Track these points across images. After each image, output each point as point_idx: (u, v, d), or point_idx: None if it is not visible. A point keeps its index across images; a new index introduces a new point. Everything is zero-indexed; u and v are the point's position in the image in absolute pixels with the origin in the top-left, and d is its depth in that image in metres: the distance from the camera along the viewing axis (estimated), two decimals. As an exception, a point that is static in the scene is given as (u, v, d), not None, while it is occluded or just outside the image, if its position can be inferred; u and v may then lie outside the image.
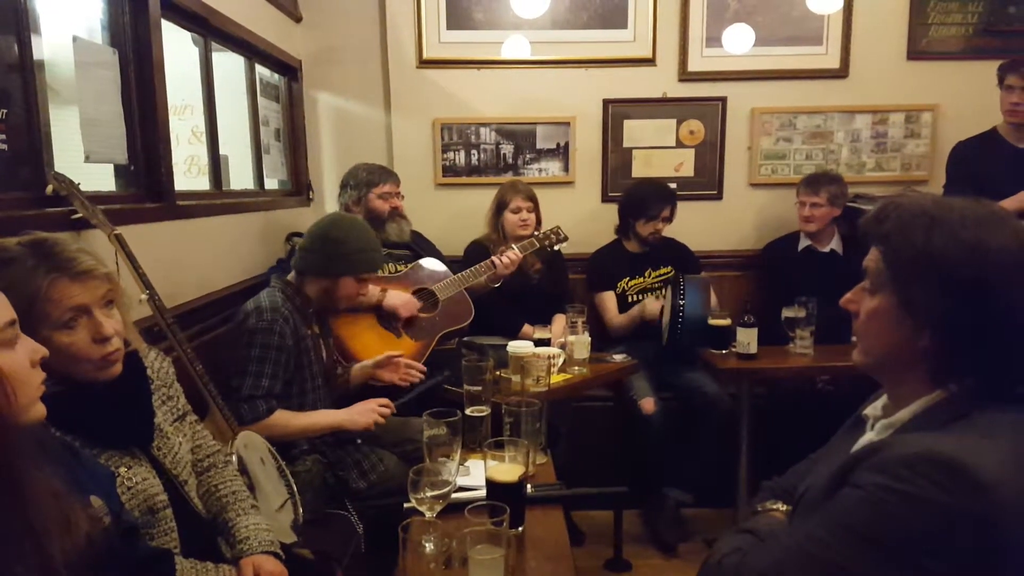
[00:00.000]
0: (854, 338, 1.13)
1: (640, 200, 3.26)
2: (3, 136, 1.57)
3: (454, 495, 1.46)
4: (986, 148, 3.02)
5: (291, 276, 2.28)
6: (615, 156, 3.67)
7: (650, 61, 3.59)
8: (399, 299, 2.79)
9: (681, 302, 2.84)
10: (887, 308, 1.03)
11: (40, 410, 0.97)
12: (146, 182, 2.17)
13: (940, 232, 0.97)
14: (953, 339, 0.98)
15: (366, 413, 2.17)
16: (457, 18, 3.53)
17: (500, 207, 3.21)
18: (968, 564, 0.87)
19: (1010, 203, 2.73)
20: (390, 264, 2.95)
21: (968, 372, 0.98)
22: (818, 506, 1.01)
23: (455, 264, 3.07)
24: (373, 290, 2.74)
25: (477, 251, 3.17)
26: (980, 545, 0.86)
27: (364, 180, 3.00)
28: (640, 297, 3.31)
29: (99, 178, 2.06)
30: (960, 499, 0.86)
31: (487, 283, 2.99)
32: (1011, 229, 0.98)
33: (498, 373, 2.34)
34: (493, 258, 2.98)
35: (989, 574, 0.88)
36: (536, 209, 3.22)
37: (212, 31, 2.65)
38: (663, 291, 3.25)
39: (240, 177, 3.13)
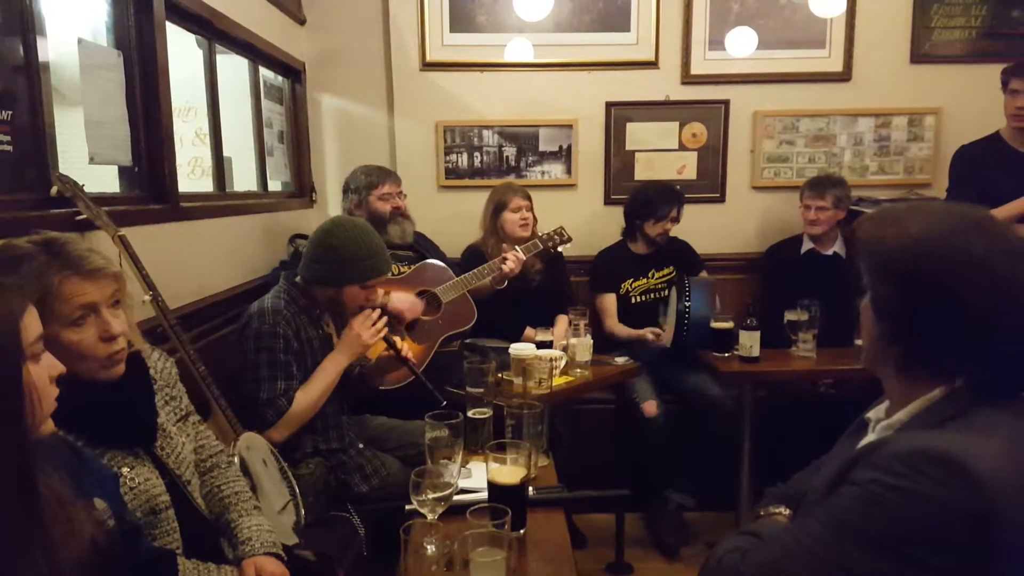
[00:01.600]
0: (858, 341, 1.15)
1: (648, 201, 3.26)
2: (8, 138, 1.58)
3: (456, 497, 1.46)
4: (989, 152, 3.01)
5: (298, 279, 2.26)
6: (617, 159, 3.68)
7: (653, 64, 3.59)
8: (404, 302, 2.79)
9: (687, 303, 2.84)
10: (865, 306, 1.08)
11: (50, 426, 0.99)
12: (150, 184, 2.18)
13: (893, 230, 1.01)
14: (910, 335, 1.01)
15: (359, 339, 2.16)
16: (460, 21, 3.54)
17: (498, 208, 3.20)
18: (964, 559, 0.88)
19: (1012, 207, 2.73)
20: (394, 265, 2.95)
21: (939, 370, 1.00)
22: (817, 505, 1.02)
23: (455, 267, 3.07)
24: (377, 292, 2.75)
25: (474, 256, 3.17)
26: (975, 540, 0.87)
27: (364, 183, 3.00)
28: (643, 299, 3.31)
29: (103, 180, 2.07)
30: (955, 494, 0.87)
31: (492, 285, 2.99)
32: (985, 235, 0.98)
33: (500, 375, 2.34)
34: (504, 256, 2.97)
35: (984, 569, 0.88)
36: (532, 208, 3.23)
37: (216, 33, 2.66)
38: (667, 291, 3.25)
39: (243, 179, 3.14)
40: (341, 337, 2.22)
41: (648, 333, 3.11)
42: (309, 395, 2.10)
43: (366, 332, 2.19)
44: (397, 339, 2.29)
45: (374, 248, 2.20)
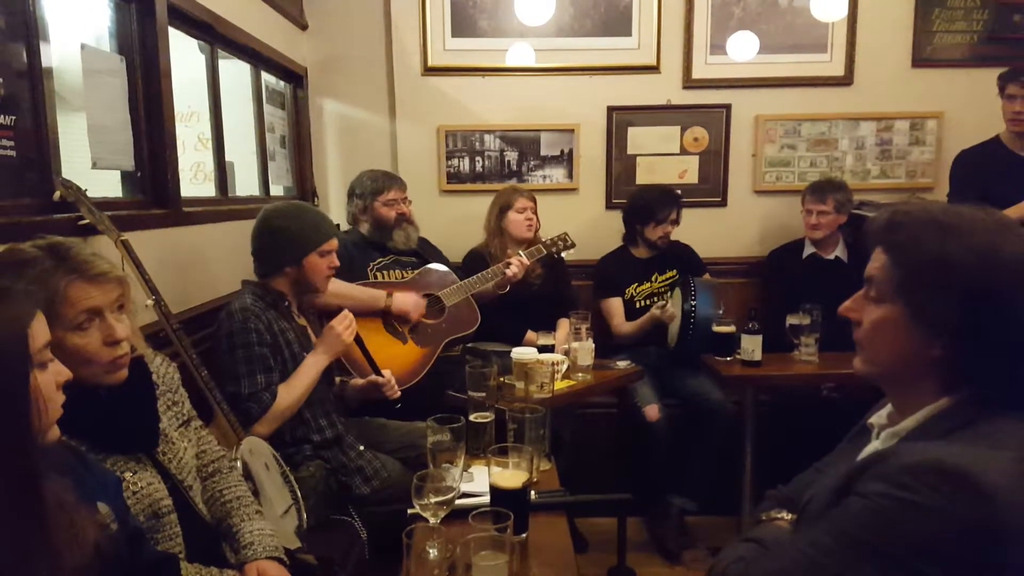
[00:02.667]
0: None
1: (646, 205, 3.26)
2: (12, 142, 1.59)
3: (458, 501, 1.46)
4: (989, 156, 3.02)
5: (257, 277, 2.26)
6: (619, 163, 3.68)
7: (654, 68, 3.60)
8: (408, 302, 2.79)
9: (693, 304, 2.84)
10: (895, 318, 1.03)
11: (56, 432, 0.99)
12: (152, 188, 2.19)
13: (954, 240, 0.97)
14: (967, 348, 0.97)
15: (340, 339, 2.21)
16: (462, 26, 3.55)
17: (503, 209, 3.21)
18: (971, 572, 0.87)
19: (1013, 212, 2.72)
20: (397, 270, 2.95)
21: (980, 380, 0.98)
22: (823, 515, 1.01)
23: (457, 271, 3.08)
24: (378, 295, 2.75)
25: (476, 260, 3.18)
26: (983, 553, 0.86)
27: (369, 188, 3.00)
28: (648, 302, 3.31)
29: (106, 184, 2.08)
30: (963, 507, 0.86)
31: (494, 290, 2.99)
32: (1018, 236, 0.98)
33: (502, 379, 2.34)
34: (508, 261, 2.97)
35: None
36: (536, 211, 3.23)
37: (218, 38, 2.66)
38: (669, 294, 3.25)
39: (245, 183, 3.14)
40: (322, 337, 2.24)
41: (655, 309, 3.07)
42: (292, 392, 2.11)
43: (346, 332, 2.23)
44: (383, 333, 2.30)
45: (315, 216, 2.28)
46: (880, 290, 1.05)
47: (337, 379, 2.43)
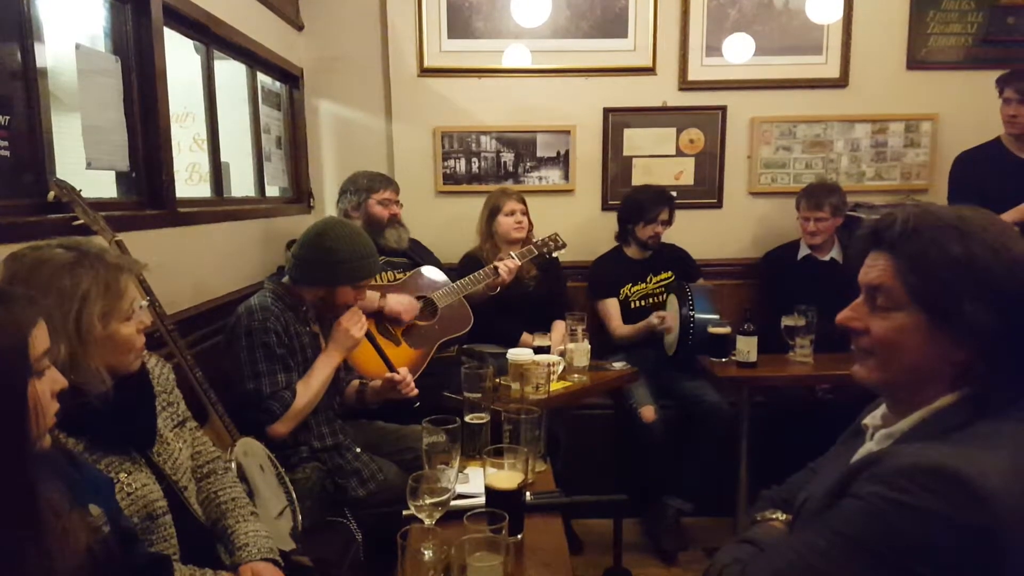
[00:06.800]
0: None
1: (637, 204, 3.27)
2: (6, 143, 1.58)
3: (453, 502, 1.46)
4: (990, 157, 3.02)
5: (285, 279, 2.27)
6: (615, 164, 3.68)
7: (650, 70, 3.60)
8: (401, 302, 2.79)
9: (691, 311, 2.84)
10: (916, 325, 1.00)
11: (48, 440, 0.99)
12: (147, 189, 2.18)
13: (976, 243, 0.96)
14: (996, 349, 0.96)
15: (349, 334, 2.23)
16: (458, 27, 3.55)
17: (493, 213, 3.22)
18: (967, 574, 0.87)
19: (1010, 215, 2.73)
20: (388, 272, 2.95)
21: (998, 379, 0.97)
22: (818, 516, 1.01)
23: (452, 273, 3.08)
24: (372, 296, 2.74)
25: (472, 263, 3.18)
26: (979, 555, 0.86)
27: (364, 186, 3.01)
28: (643, 303, 3.31)
29: (101, 185, 2.07)
30: (959, 509, 0.86)
31: (485, 291, 3.00)
32: (1016, 234, 0.99)
33: (497, 380, 2.34)
34: (495, 264, 2.98)
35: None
36: (527, 212, 3.23)
37: (214, 39, 2.66)
38: (664, 297, 3.25)
39: (241, 184, 3.14)
40: (332, 335, 2.25)
41: (654, 318, 3.08)
42: (309, 390, 2.13)
43: (355, 328, 2.25)
44: (379, 337, 2.36)
45: (367, 249, 2.26)
46: (892, 297, 1.02)
47: (356, 381, 2.43)
